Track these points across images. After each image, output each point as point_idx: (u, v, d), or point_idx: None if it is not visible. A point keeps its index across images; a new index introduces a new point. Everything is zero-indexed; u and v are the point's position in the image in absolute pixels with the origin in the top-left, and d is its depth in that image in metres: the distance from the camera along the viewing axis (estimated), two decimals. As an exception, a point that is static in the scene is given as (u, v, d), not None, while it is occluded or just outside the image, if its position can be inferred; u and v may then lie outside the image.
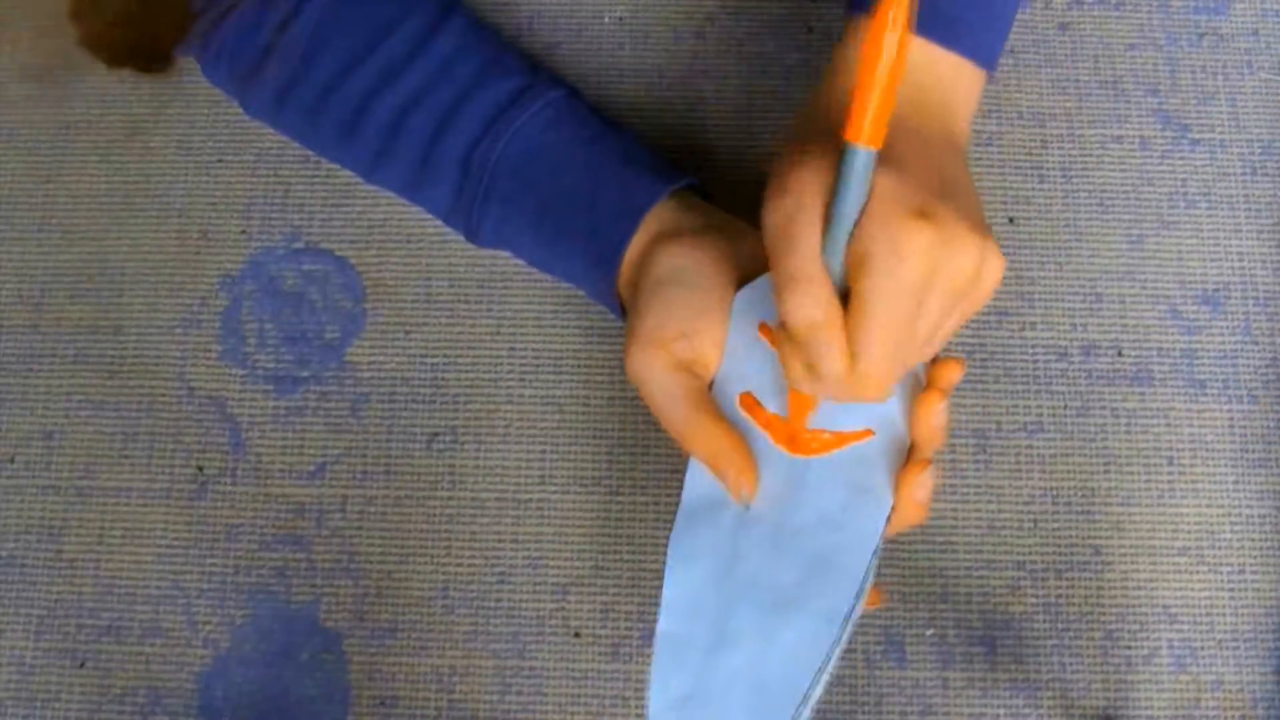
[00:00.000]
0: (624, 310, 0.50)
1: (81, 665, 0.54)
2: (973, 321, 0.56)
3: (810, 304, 0.39)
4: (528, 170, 0.51)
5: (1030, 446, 0.55)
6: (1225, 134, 0.58)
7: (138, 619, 0.54)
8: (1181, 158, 0.58)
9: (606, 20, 0.61)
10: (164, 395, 0.57)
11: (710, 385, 0.46)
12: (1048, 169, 0.58)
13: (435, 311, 0.57)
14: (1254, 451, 0.55)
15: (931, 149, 0.43)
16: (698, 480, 0.46)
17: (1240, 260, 0.57)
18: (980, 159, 0.58)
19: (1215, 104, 0.58)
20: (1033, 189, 0.58)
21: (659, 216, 0.49)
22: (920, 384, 0.45)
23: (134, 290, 0.58)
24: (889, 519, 0.43)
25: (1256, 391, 0.55)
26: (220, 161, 0.60)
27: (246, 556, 0.55)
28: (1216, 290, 0.56)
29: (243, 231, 0.59)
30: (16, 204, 0.60)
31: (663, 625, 0.44)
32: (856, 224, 0.39)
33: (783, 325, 0.40)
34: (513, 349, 0.57)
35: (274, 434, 0.56)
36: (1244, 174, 0.58)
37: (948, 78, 0.45)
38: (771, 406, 0.45)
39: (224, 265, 0.58)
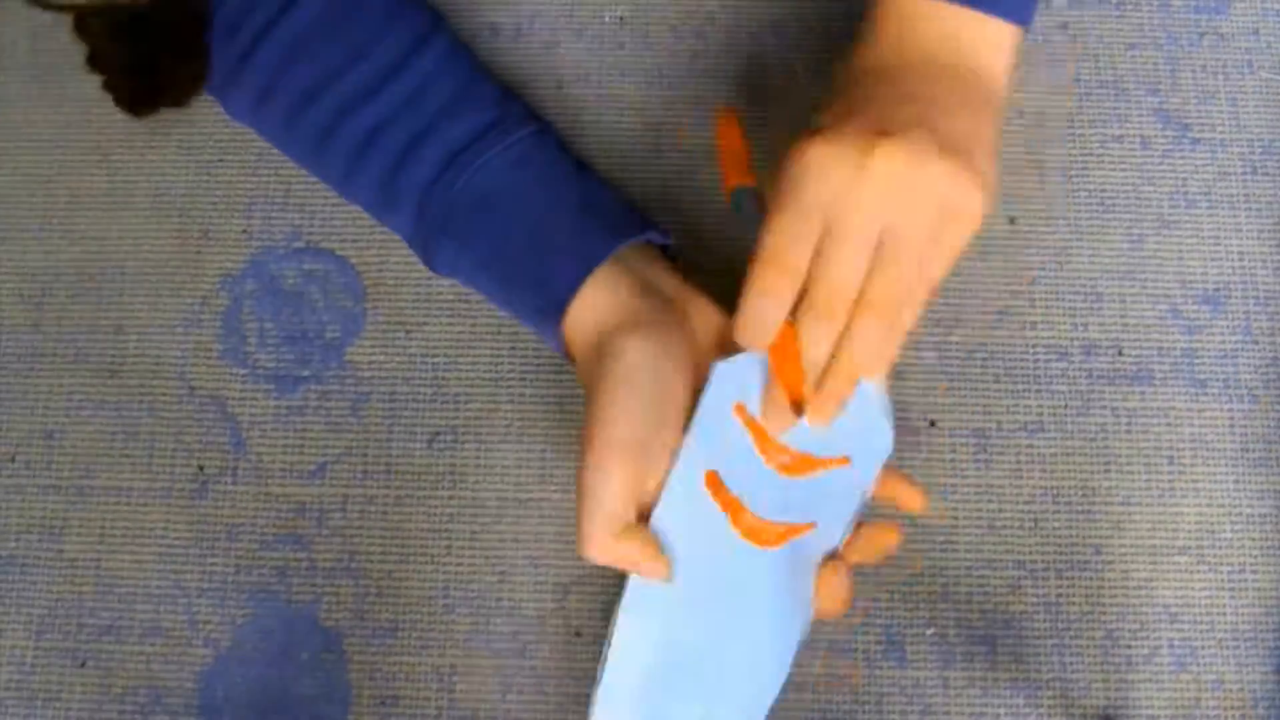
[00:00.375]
0: (571, 358, 0.50)
1: (82, 665, 0.54)
2: (972, 321, 0.56)
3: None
4: (484, 210, 0.51)
5: (1030, 446, 0.55)
6: (1226, 133, 0.58)
7: (138, 618, 0.54)
8: (1182, 157, 0.58)
9: (606, 19, 0.61)
10: (164, 395, 0.57)
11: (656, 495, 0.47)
12: (1048, 169, 0.58)
13: (435, 311, 0.57)
14: (1254, 451, 0.55)
15: (909, 83, 0.45)
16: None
17: (1241, 260, 0.57)
18: (980, 158, 0.58)
19: (1216, 103, 0.58)
20: (1033, 189, 0.58)
21: (607, 274, 0.49)
22: (867, 493, 0.47)
23: (134, 290, 0.58)
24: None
25: (1257, 391, 0.55)
26: (221, 161, 0.60)
27: (247, 556, 0.55)
28: (1217, 290, 0.56)
29: (243, 231, 0.59)
30: (17, 204, 0.60)
31: (606, 679, 0.47)
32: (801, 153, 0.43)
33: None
34: (513, 349, 0.57)
35: (274, 433, 0.56)
36: (1244, 173, 0.58)
37: (968, 33, 0.46)
38: (735, 490, 0.46)
39: (225, 265, 0.58)
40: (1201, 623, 0.53)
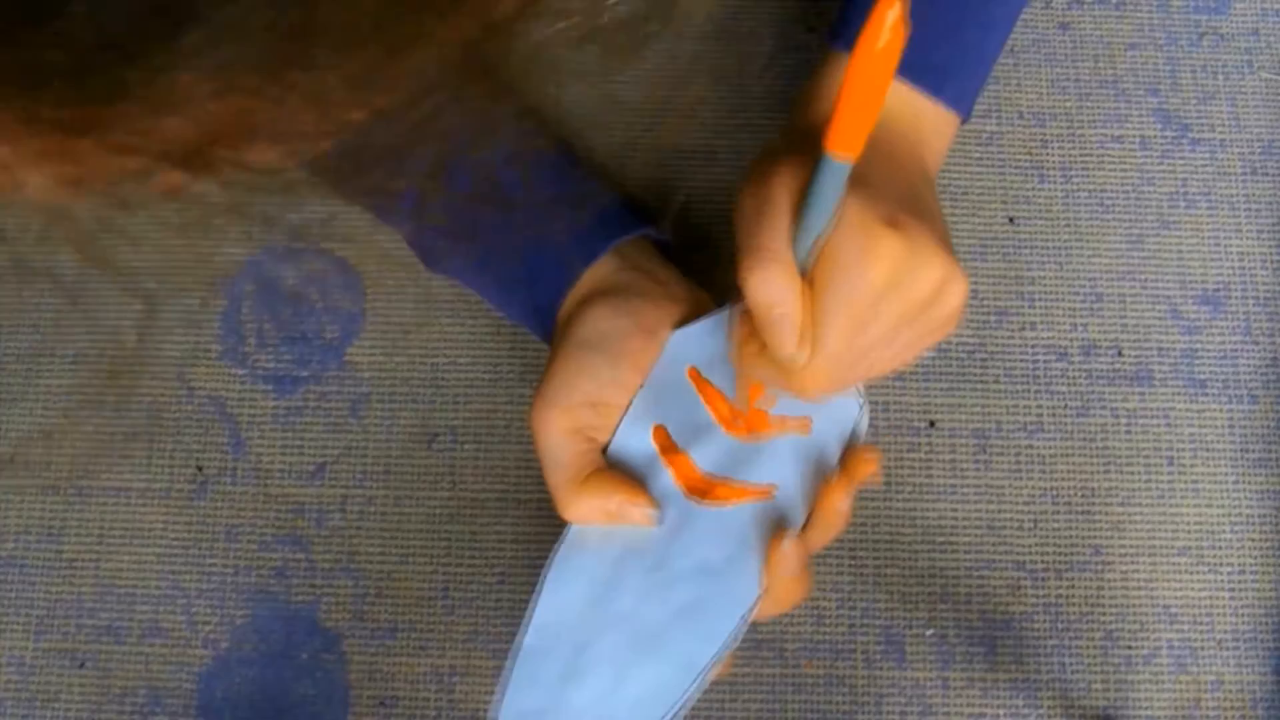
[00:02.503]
0: None
1: (81, 665, 0.54)
2: (972, 321, 0.56)
3: (775, 281, 0.39)
4: (479, 209, 0.51)
5: (1030, 446, 0.55)
6: (1225, 134, 0.58)
7: (137, 619, 0.54)
8: (1182, 157, 0.58)
9: (606, 19, 0.61)
10: (164, 395, 0.57)
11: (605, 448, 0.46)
12: (1048, 169, 0.58)
13: (435, 311, 0.57)
14: (1254, 451, 0.55)
15: (903, 172, 0.44)
16: None
17: (1240, 260, 0.57)
18: (980, 159, 0.58)
19: (1216, 103, 0.58)
20: (1033, 189, 0.58)
21: (599, 271, 0.48)
22: (829, 467, 0.45)
23: (134, 290, 0.58)
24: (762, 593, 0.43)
25: (1256, 391, 0.55)
26: (220, 161, 0.60)
27: (246, 556, 0.55)
28: (1217, 290, 0.56)
29: (243, 231, 0.59)
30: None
31: (527, 641, 0.44)
32: (824, 232, 0.39)
33: (744, 301, 0.40)
34: (512, 349, 0.57)
35: (274, 434, 0.56)
36: (1244, 174, 0.58)
37: (925, 119, 0.46)
38: (684, 447, 0.45)
39: (224, 265, 0.58)
40: (1201, 623, 0.53)
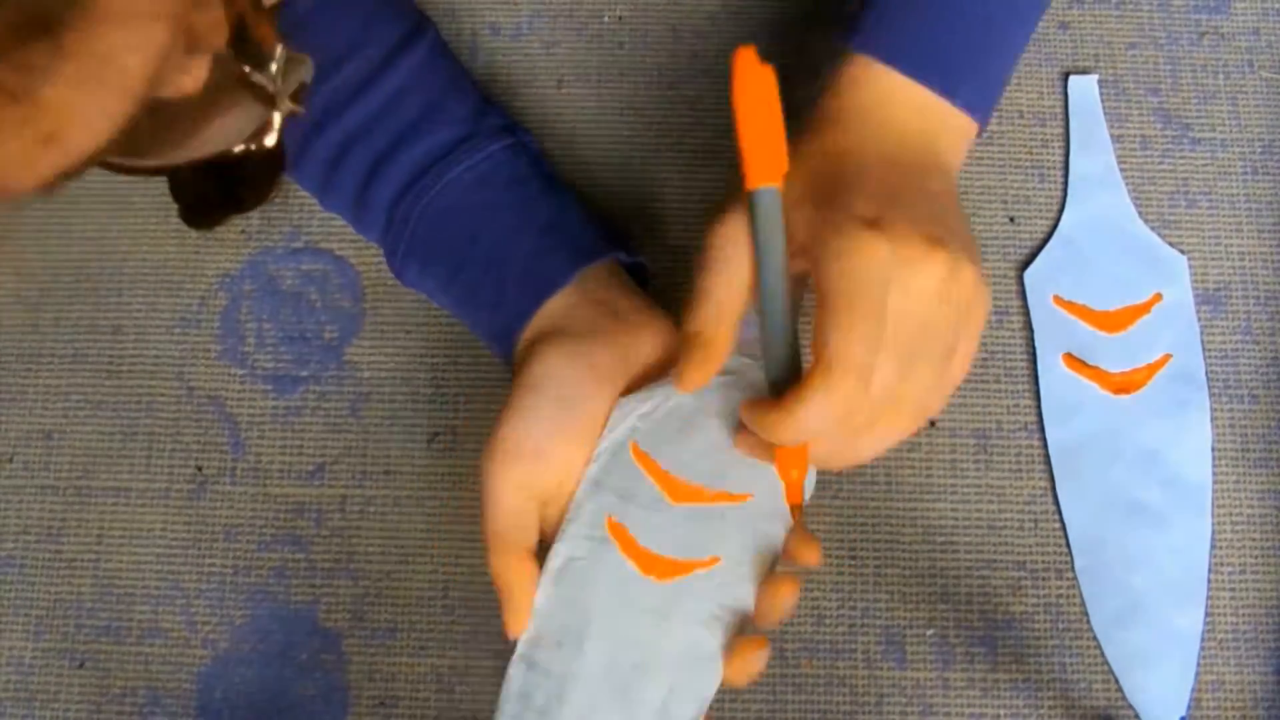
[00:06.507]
0: None
1: (80, 665, 0.54)
2: (973, 321, 0.56)
3: (703, 315, 0.41)
4: (447, 229, 0.50)
5: (1031, 446, 0.55)
6: (1226, 133, 0.58)
7: (137, 619, 0.54)
8: (1182, 157, 0.58)
9: (606, 19, 0.61)
10: (163, 395, 0.57)
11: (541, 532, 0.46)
12: (1048, 169, 0.58)
13: (435, 311, 0.57)
14: (1254, 451, 0.54)
15: (897, 170, 0.43)
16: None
17: (1241, 259, 0.57)
18: (980, 159, 0.58)
19: (1216, 103, 0.58)
20: (1033, 189, 0.58)
21: (557, 304, 0.48)
22: (774, 538, 0.45)
23: (133, 290, 0.58)
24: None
25: (1257, 391, 0.55)
26: (219, 161, 0.60)
27: (245, 556, 0.55)
28: (1217, 289, 0.56)
29: (242, 231, 0.59)
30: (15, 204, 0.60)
31: None
32: (793, 251, 0.40)
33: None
34: (512, 349, 0.56)
35: (273, 434, 0.56)
36: (1245, 173, 0.58)
37: (935, 119, 0.45)
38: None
39: (223, 264, 0.58)
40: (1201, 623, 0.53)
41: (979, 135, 0.47)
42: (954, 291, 0.40)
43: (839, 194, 0.41)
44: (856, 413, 0.39)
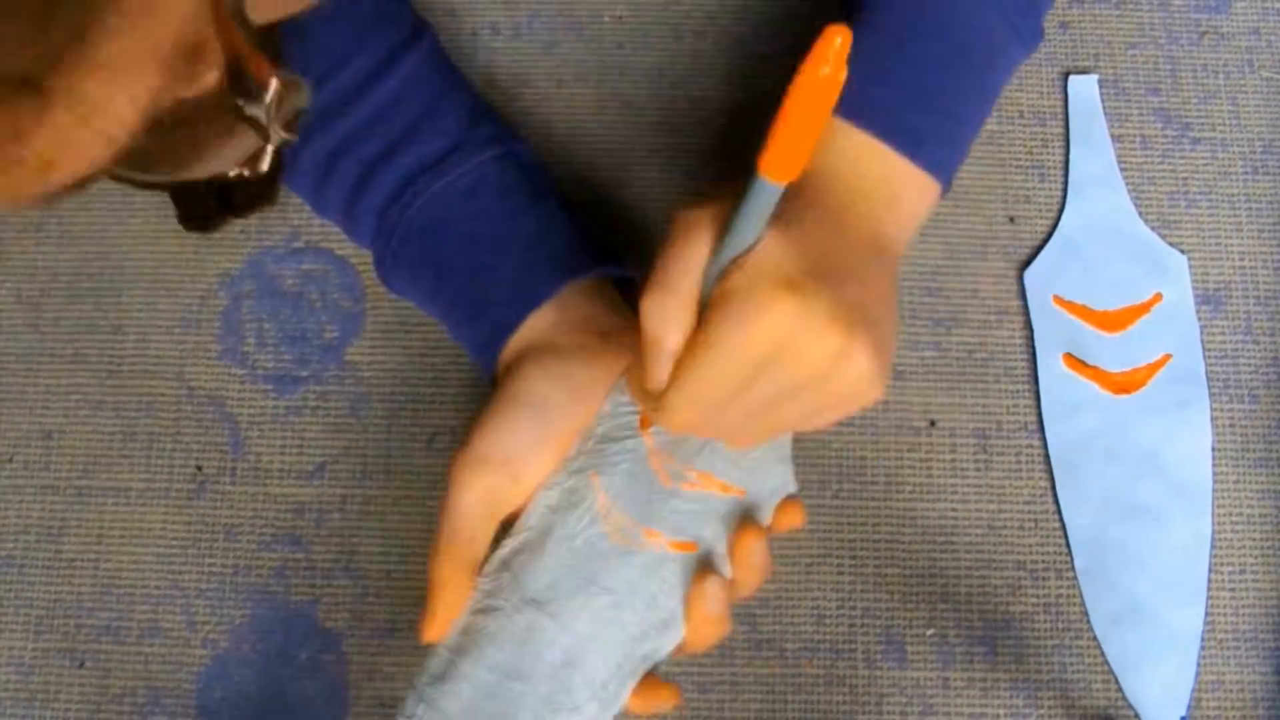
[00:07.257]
0: None
1: (80, 665, 0.54)
2: (972, 321, 0.56)
3: (665, 314, 0.39)
4: (434, 239, 0.50)
5: (1030, 446, 0.55)
6: (1226, 133, 0.58)
7: (137, 619, 0.54)
8: (1182, 157, 0.58)
9: (606, 19, 0.61)
10: (163, 395, 0.57)
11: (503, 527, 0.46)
12: (1048, 169, 0.58)
13: (435, 311, 0.57)
14: (1254, 451, 0.54)
15: (842, 238, 0.42)
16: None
17: (1241, 259, 0.57)
18: (980, 158, 0.58)
19: (1216, 103, 0.58)
20: (1033, 189, 0.58)
21: (539, 321, 0.48)
22: (757, 515, 0.45)
23: (133, 290, 0.58)
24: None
25: (1257, 391, 0.55)
26: (219, 161, 0.60)
27: (245, 556, 0.55)
28: (1217, 289, 0.56)
29: (241, 231, 0.59)
30: (15, 203, 0.60)
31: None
32: (726, 271, 0.39)
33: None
34: (512, 348, 0.56)
35: (273, 434, 0.56)
36: (1245, 173, 0.58)
37: (896, 182, 0.45)
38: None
39: (223, 265, 0.58)
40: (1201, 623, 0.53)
41: (942, 196, 0.47)
42: (834, 380, 0.39)
43: (779, 243, 0.39)
44: (716, 404, 0.40)
